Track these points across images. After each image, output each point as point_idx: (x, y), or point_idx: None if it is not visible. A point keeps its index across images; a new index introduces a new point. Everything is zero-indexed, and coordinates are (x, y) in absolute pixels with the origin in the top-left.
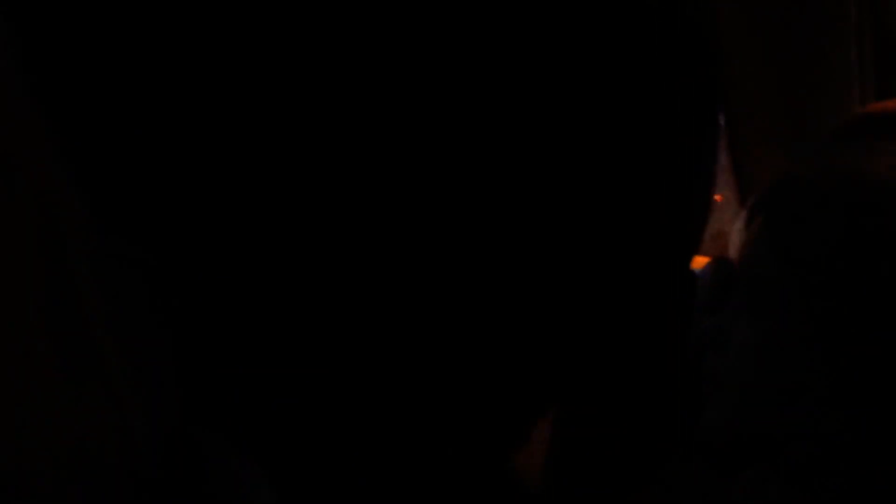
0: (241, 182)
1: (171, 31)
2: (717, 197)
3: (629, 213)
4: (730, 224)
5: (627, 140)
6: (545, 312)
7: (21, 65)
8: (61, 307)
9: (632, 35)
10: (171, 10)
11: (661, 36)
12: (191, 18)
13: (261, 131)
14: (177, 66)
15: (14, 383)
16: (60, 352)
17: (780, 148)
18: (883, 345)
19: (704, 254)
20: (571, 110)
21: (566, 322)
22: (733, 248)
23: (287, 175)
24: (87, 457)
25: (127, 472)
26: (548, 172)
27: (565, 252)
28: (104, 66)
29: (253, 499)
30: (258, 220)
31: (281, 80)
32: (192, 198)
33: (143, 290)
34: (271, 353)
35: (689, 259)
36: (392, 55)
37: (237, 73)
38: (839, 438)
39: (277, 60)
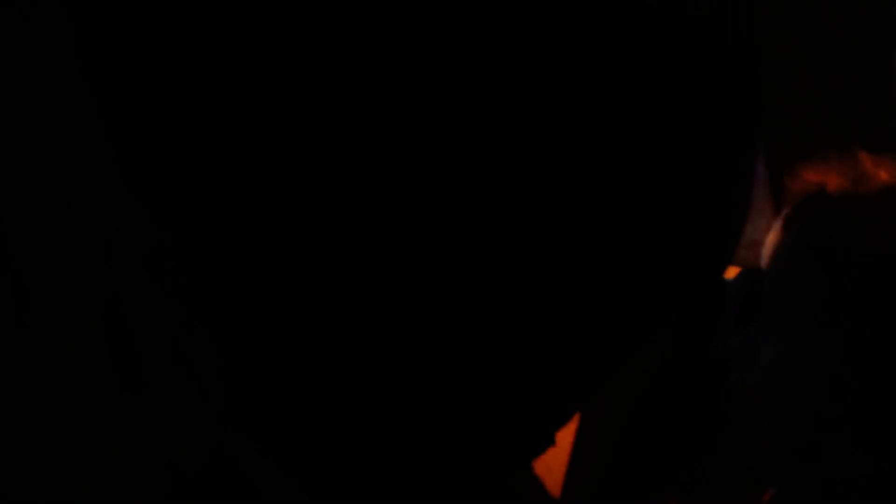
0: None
1: (174, 31)
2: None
3: (665, 218)
4: (763, 233)
5: (666, 148)
6: (576, 316)
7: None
8: (111, 318)
9: (678, 50)
10: (173, 10)
11: (704, 49)
12: (195, 19)
13: (264, 131)
14: (180, 66)
15: (64, 390)
16: (110, 362)
17: (818, 157)
18: None
19: (738, 263)
20: (612, 119)
21: (596, 325)
22: (766, 258)
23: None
24: (131, 461)
25: (171, 478)
26: (586, 178)
27: (597, 256)
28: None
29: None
30: (280, 223)
31: (285, 81)
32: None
33: (185, 301)
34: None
35: (722, 267)
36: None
37: (241, 73)
38: (871, 459)
39: (279, 60)
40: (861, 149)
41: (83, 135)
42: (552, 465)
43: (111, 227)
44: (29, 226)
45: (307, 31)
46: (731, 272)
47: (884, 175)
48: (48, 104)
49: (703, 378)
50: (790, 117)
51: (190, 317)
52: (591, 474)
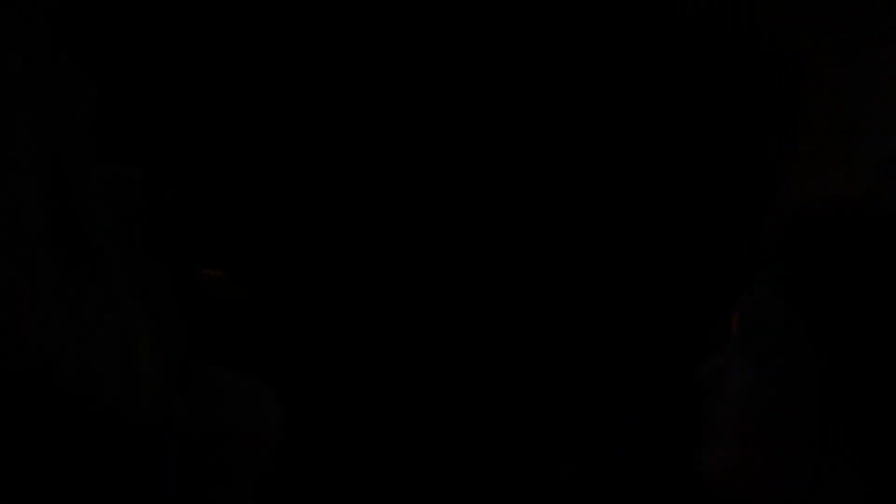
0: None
1: (175, 31)
2: None
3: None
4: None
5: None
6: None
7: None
8: (68, 228)
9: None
10: (175, 11)
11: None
12: (196, 20)
13: (267, 132)
14: (181, 66)
15: (22, 301)
16: (66, 272)
17: (821, 167)
18: None
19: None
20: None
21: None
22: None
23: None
24: (95, 378)
25: (135, 396)
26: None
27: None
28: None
29: (264, 417)
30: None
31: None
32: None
33: (149, 221)
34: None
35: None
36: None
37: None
38: (846, 488)
39: (282, 61)
40: (867, 166)
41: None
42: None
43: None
44: None
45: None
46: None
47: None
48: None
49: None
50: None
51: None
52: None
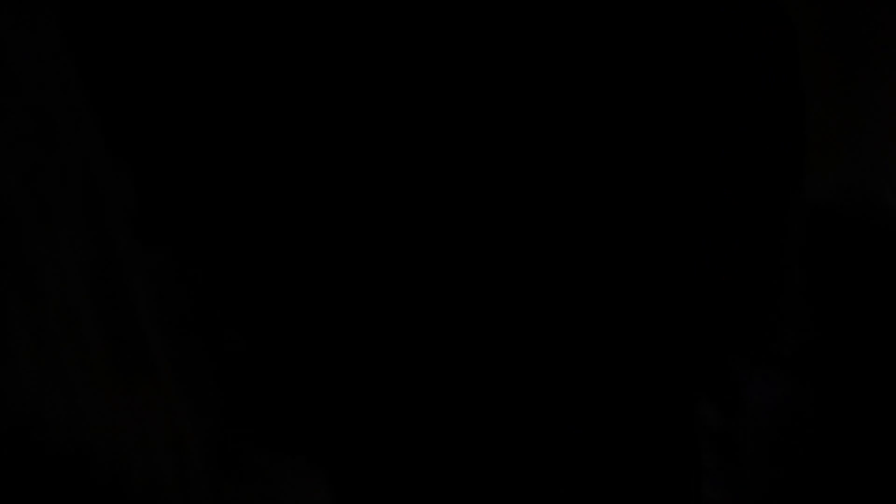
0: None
1: (176, 31)
2: None
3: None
4: None
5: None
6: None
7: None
8: (114, 309)
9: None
10: (175, 11)
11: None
12: (197, 19)
13: (269, 132)
14: (181, 66)
15: (73, 380)
16: (114, 352)
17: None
18: None
19: None
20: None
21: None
22: None
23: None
24: (140, 450)
25: (178, 467)
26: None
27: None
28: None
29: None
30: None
31: (295, 80)
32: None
33: (188, 299)
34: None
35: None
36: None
37: (241, 73)
38: None
39: (283, 60)
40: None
41: (63, 94)
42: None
43: (95, 188)
44: (13, 185)
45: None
46: None
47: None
48: (24, 62)
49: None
50: (820, 117)
51: (185, 283)
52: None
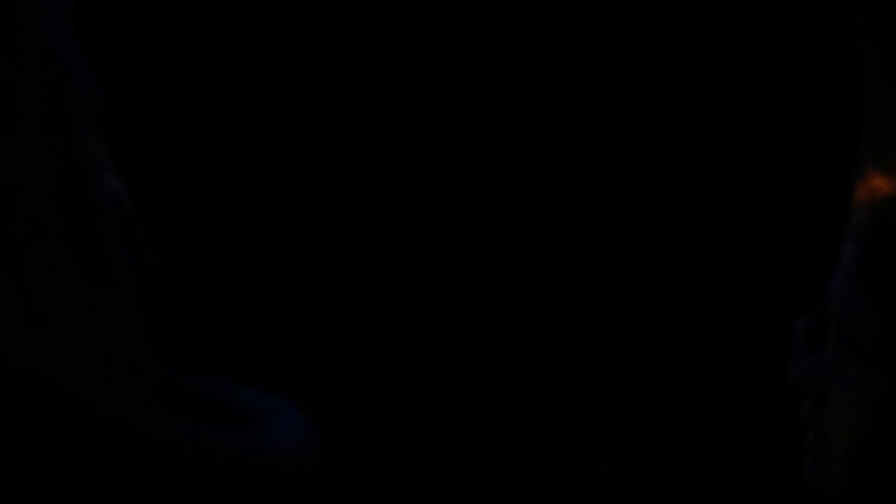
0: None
1: (176, 31)
2: None
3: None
4: None
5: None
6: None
7: None
8: (78, 220)
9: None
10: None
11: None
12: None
13: (270, 132)
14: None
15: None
16: (81, 265)
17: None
18: None
19: None
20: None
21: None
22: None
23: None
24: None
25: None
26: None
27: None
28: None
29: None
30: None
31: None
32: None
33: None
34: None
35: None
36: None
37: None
38: None
39: (284, 61)
40: None
41: None
42: None
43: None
44: None
45: None
46: None
47: None
48: None
49: None
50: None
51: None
52: None
